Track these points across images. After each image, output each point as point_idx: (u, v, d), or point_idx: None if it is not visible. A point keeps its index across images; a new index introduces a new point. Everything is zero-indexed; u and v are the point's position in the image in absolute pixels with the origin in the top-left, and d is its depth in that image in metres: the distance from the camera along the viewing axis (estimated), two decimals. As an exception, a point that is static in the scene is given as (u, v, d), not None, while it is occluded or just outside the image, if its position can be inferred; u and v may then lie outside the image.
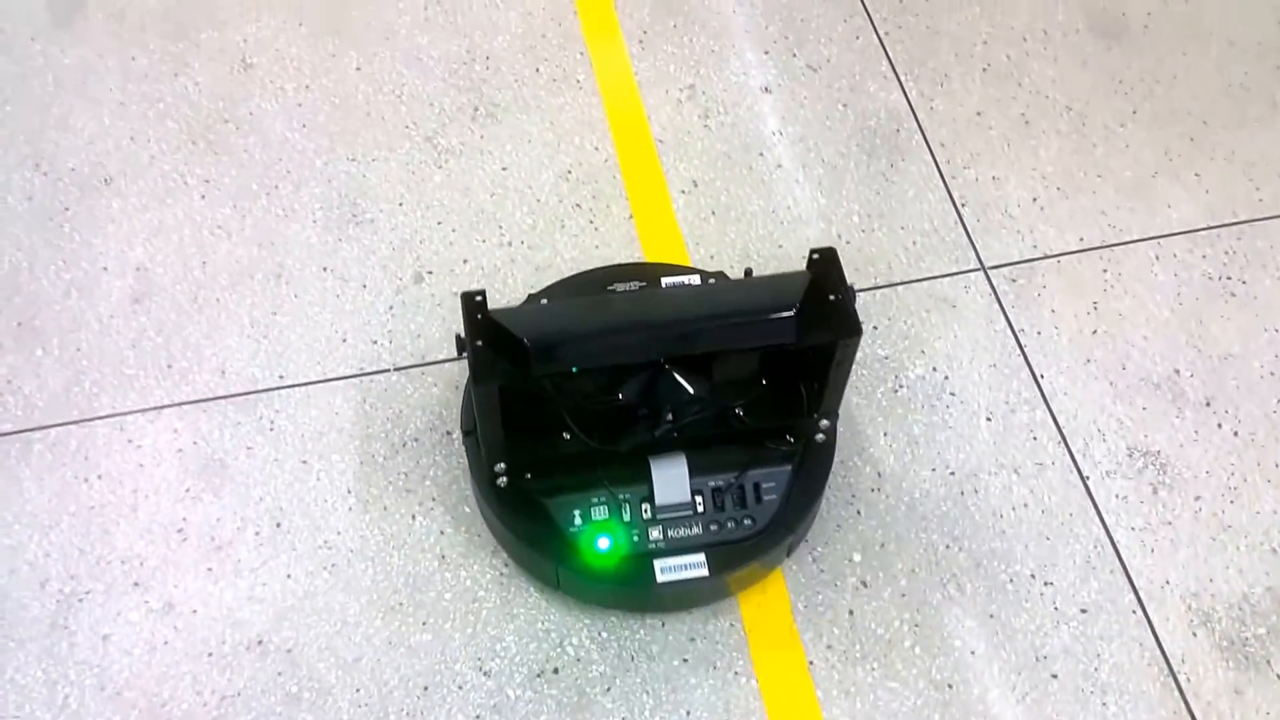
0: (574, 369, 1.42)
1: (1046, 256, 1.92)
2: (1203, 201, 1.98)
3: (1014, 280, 1.89)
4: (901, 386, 1.78)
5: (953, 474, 1.70)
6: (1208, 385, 1.80)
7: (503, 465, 1.52)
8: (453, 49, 2.08)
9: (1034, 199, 1.97)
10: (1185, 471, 1.72)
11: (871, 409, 1.75)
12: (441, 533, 1.62)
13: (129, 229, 1.87)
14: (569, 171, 1.97)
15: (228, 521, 1.62)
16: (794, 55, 2.13)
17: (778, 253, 1.89)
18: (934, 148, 2.02)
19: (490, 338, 1.37)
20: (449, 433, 1.69)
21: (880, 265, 1.90)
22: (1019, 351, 1.82)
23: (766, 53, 2.13)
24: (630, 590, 1.54)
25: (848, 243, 1.91)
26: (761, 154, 1.99)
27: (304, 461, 1.67)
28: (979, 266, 1.91)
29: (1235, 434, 1.75)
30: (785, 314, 1.39)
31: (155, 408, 1.71)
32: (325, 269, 1.85)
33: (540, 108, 2.03)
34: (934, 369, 1.80)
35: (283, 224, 1.88)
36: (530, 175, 1.96)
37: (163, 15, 2.09)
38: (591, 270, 1.74)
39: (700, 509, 1.52)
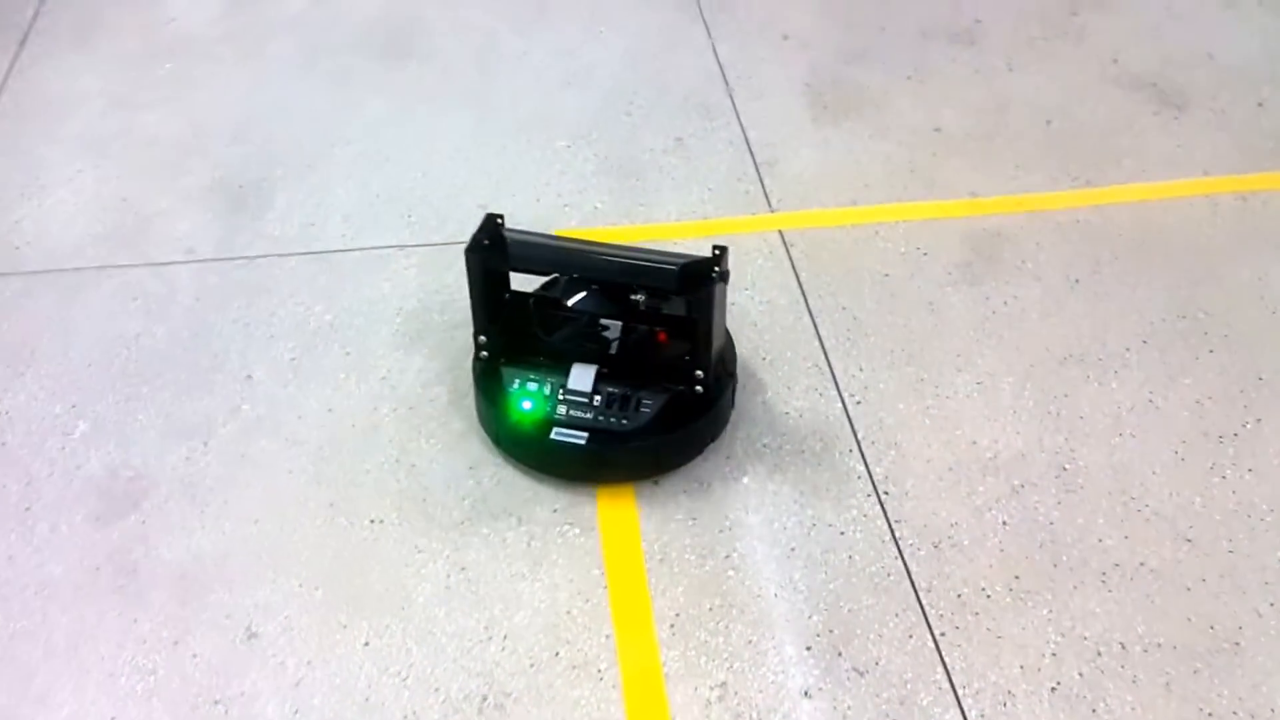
0: (530, 265, 2.21)
1: None
2: None
3: None
4: None
5: None
6: None
7: (484, 339, 2.20)
8: (470, 624, 1.95)
9: None
10: None
11: None
12: None
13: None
14: (577, 782, 1.77)
15: None
16: (839, 654, 1.95)
17: None
18: (996, 792, 1.78)
19: (492, 237, 2.15)
20: None
21: None
22: None
23: (809, 648, 1.95)
24: (533, 442, 2.15)
25: None
26: (797, 778, 1.78)
27: None
28: None
29: None
30: (671, 269, 2.10)
31: None
32: None
33: (555, 700, 1.85)
34: None
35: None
36: (535, 785, 1.77)
37: (177, 572, 2.03)
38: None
39: (595, 403, 2.14)
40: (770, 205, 2.88)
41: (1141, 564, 2.10)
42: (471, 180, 2.95)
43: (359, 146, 3.06)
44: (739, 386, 2.36)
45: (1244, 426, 2.35)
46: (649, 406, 2.13)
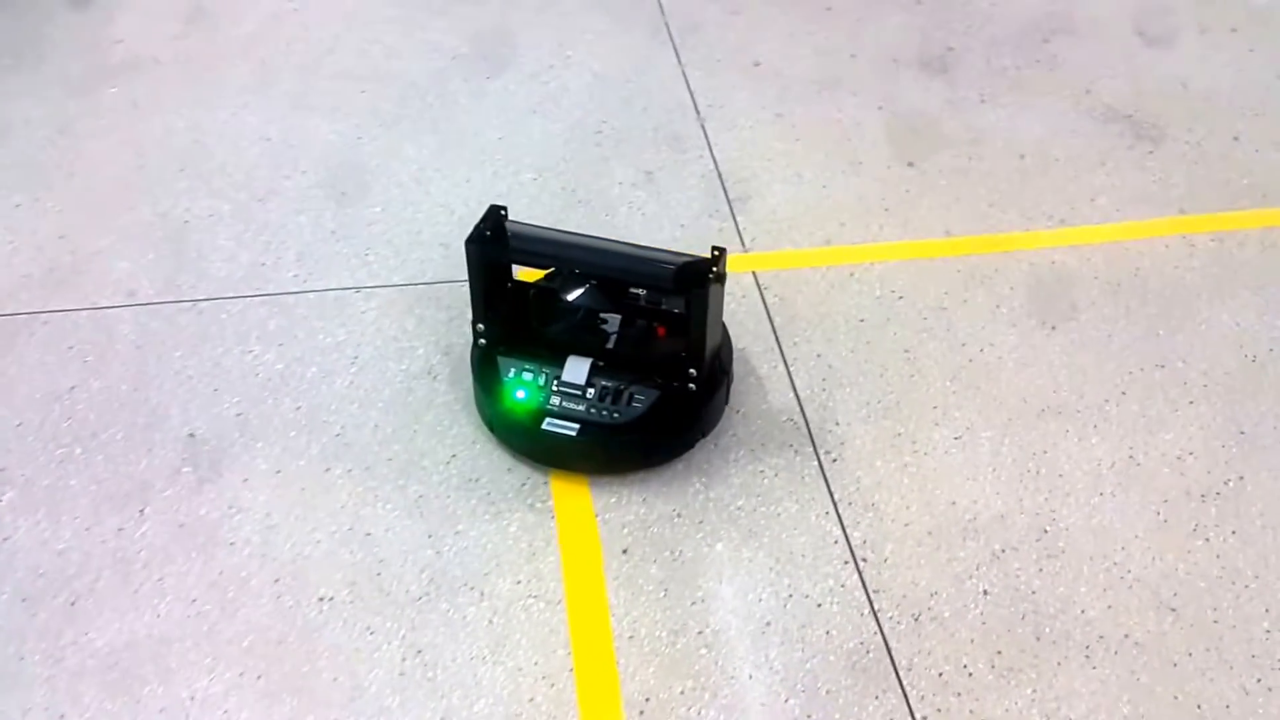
0: (528, 258, 2.27)
1: None
2: None
3: None
4: None
5: None
6: None
7: (481, 327, 2.23)
8: (425, 717, 1.82)
9: None
10: None
11: None
12: None
13: None
14: None
15: None
16: (816, 746, 1.87)
17: None
18: None
19: (494, 227, 2.18)
20: None
21: None
22: None
23: (784, 736, 1.88)
24: (525, 432, 2.19)
25: None
26: None
27: None
28: None
29: None
30: (669, 267, 2.16)
31: None
32: None
33: (518, 795, 1.76)
34: None
35: None
36: None
37: (108, 660, 1.89)
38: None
39: (588, 395, 2.17)
40: (744, 244, 2.78)
41: (1126, 636, 2.02)
42: (433, 215, 2.83)
43: (314, 177, 2.92)
44: (734, 384, 2.36)
45: (1226, 484, 2.29)
46: (641, 401, 2.16)
